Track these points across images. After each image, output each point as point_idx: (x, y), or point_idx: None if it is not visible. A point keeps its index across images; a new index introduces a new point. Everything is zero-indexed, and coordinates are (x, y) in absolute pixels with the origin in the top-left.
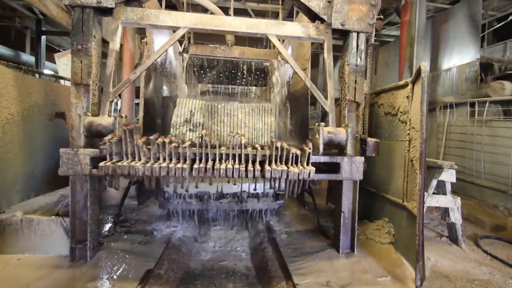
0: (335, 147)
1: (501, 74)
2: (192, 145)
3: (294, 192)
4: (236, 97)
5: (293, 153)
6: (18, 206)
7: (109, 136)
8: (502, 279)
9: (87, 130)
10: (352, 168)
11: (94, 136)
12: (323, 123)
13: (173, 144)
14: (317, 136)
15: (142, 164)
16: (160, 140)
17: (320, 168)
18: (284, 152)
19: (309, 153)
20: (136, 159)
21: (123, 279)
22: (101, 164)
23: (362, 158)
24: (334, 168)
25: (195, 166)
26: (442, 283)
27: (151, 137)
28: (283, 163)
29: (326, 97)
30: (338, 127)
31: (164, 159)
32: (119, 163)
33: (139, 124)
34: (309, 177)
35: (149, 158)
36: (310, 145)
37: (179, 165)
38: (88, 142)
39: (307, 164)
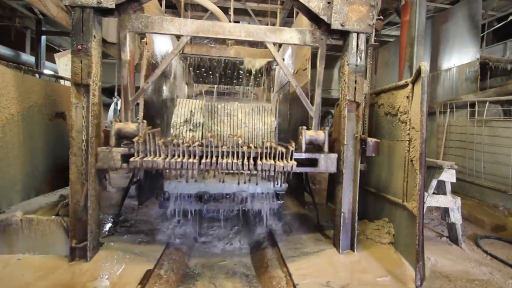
0: (316, 147)
1: None
2: (200, 144)
3: (282, 181)
4: (233, 97)
5: (279, 151)
6: (18, 206)
7: (136, 138)
8: (502, 279)
9: (116, 134)
10: (327, 162)
11: (122, 138)
12: (305, 127)
13: (185, 144)
14: (300, 137)
15: (162, 159)
16: (175, 141)
17: (304, 163)
18: (272, 150)
19: (292, 151)
20: (157, 155)
21: (123, 279)
22: (132, 159)
23: (336, 155)
24: (314, 163)
25: (203, 161)
26: (442, 283)
27: (168, 139)
28: (272, 158)
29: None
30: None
31: (179, 156)
32: (145, 159)
33: (159, 129)
34: (291, 169)
35: (167, 155)
36: (293, 144)
37: (190, 160)
38: (116, 143)
39: (291, 159)
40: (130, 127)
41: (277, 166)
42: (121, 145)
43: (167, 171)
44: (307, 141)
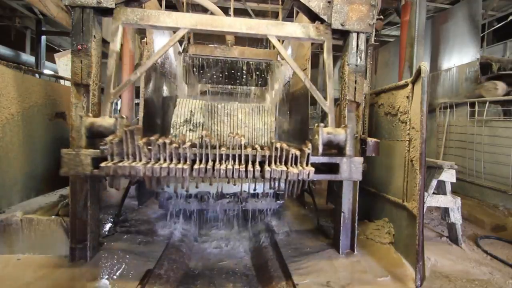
0: (334, 148)
1: (495, 74)
2: (193, 145)
3: (294, 193)
4: (235, 97)
5: (292, 154)
6: (18, 206)
7: (110, 137)
8: (502, 279)
9: (88, 130)
10: (351, 168)
11: (95, 136)
12: (322, 124)
13: (174, 145)
14: (316, 136)
15: (143, 165)
16: (160, 141)
17: (320, 168)
18: (284, 153)
19: (308, 154)
20: (137, 159)
21: (123, 279)
22: (102, 164)
23: (362, 159)
24: (333, 168)
25: (195, 166)
26: (442, 283)
27: (152, 138)
28: (283, 163)
29: (325, 98)
30: (337, 127)
31: (165, 160)
32: (120, 164)
33: (140, 125)
34: (308, 177)
35: (150, 159)
36: (310, 145)
37: (180, 166)
38: (89, 143)
39: (307, 165)
40: (105, 121)
41: (290, 174)
42: (100, 146)
43: (161, 179)
44: (324, 141)
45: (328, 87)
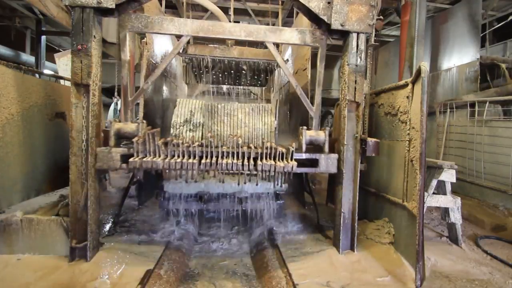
0: (316, 147)
1: None
2: (200, 145)
3: (283, 181)
4: (235, 97)
5: (279, 151)
6: (18, 206)
7: (136, 138)
8: (502, 279)
9: (116, 134)
10: (328, 163)
11: (121, 138)
12: (305, 127)
13: (185, 144)
14: (300, 137)
15: (162, 160)
16: (175, 141)
17: (304, 163)
18: (273, 151)
19: (292, 151)
20: (157, 156)
21: (123, 279)
22: (131, 159)
23: (336, 155)
24: (314, 163)
25: (203, 161)
26: (442, 283)
27: (168, 139)
28: (272, 159)
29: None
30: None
31: (179, 156)
32: (144, 159)
33: (158, 129)
34: (292, 170)
35: (167, 155)
36: (294, 144)
37: (190, 161)
38: (116, 143)
39: (291, 160)
40: (129, 127)
41: (277, 167)
42: (121, 145)
43: (167, 171)
44: (307, 141)
45: (316, 94)
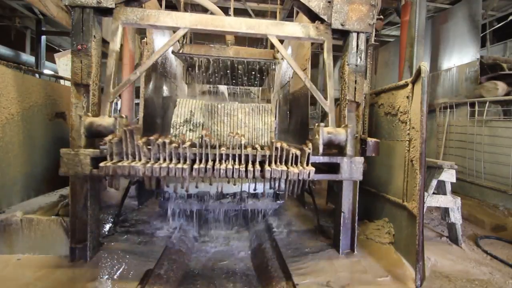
0: (334, 148)
1: (495, 74)
2: (192, 145)
3: (294, 192)
4: (232, 97)
5: (293, 154)
6: (18, 206)
7: (110, 137)
8: (502, 279)
9: (88, 130)
10: (352, 168)
11: (95, 136)
12: (323, 124)
13: (173, 145)
14: (317, 136)
15: (143, 165)
16: (160, 140)
17: (320, 168)
18: (284, 153)
19: (309, 154)
20: (137, 159)
21: (123, 279)
22: (102, 164)
23: (362, 159)
24: (333, 168)
25: (195, 166)
26: (442, 283)
27: (151, 138)
28: (283, 163)
29: (326, 97)
30: (338, 127)
31: (165, 160)
32: (120, 164)
33: (140, 125)
34: (309, 177)
35: (150, 159)
36: (310, 145)
37: (179, 166)
38: (88, 143)
39: (307, 165)
40: (105, 121)
41: (290, 173)
42: (100, 146)
43: (161, 179)
44: (325, 140)
45: (329, 87)
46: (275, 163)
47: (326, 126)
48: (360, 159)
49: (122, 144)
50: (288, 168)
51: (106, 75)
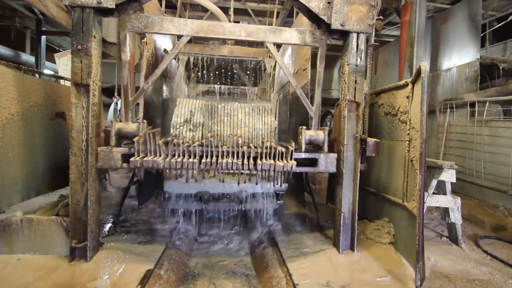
0: (315, 146)
1: None
2: (200, 144)
3: (282, 182)
4: (226, 96)
5: (279, 151)
6: (18, 206)
7: (137, 138)
8: (502, 279)
9: (117, 133)
10: (327, 162)
11: (122, 138)
12: (305, 127)
13: (186, 144)
14: (300, 137)
15: (163, 159)
16: (175, 141)
17: (304, 163)
18: (272, 150)
19: (292, 151)
20: (157, 155)
21: (123, 279)
22: (132, 159)
23: (336, 154)
24: (314, 162)
25: (203, 160)
26: (442, 283)
27: (169, 139)
28: (272, 158)
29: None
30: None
31: (179, 155)
32: (145, 158)
33: (159, 129)
34: (291, 169)
35: (167, 155)
36: (293, 144)
37: (191, 160)
38: (117, 142)
39: (290, 159)
40: (130, 127)
41: (276, 166)
42: (122, 145)
43: (167, 171)
44: (307, 141)
45: (316, 94)
46: (265, 158)
47: (308, 129)
48: (333, 155)
49: (146, 143)
50: (275, 162)
51: (123, 85)
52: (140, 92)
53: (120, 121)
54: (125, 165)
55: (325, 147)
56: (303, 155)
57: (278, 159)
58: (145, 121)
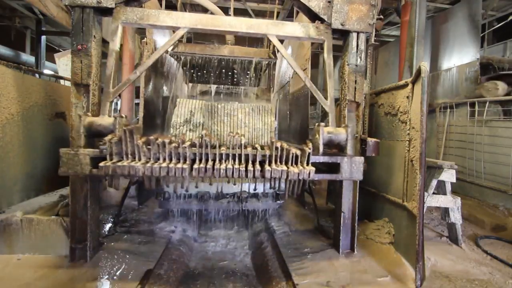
0: (334, 147)
1: (495, 74)
2: (192, 145)
3: (294, 192)
4: (226, 97)
5: (293, 153)
6: (18, 206)
7: (109, 136)
8: (502, 279)
9: (87, 130)
10: (352, 168)
11: (94, 136)
12: (323, 123)
13: (173, 144)
14: (317, 136)
15: (142, 164)
16: (160, 140)
17: (320, 168)
18: (284, 152)
19: (309, 153)
20: (136, 159)
21: (123, 279)
22: (101, 164)
23: (362, 158)
24: (334, 168)
25: (195, 166)
26: (442, 283)
27: (151, 137)
28: (283, 163)
29: (326, 97)
30: (338, 127)
31: (164, 159)
32: (119, 163)
33: (139, 124)
34: (309, 177)
35: (149, 158)
36: (310, 145)
37: (179, 165)
38: (88, 142)
39: (307, 164)
40: (104, 120)
41: (290, 173)
42: (100, 146)
43: (160, 179)
44: (325, 140)
45: (329, 87)
46: (275, 163)
47: (326, 126)
48: (360, 159)
49: (121, 144)
50: (288, 168)
51: (105, 75)
52: (124, 83)
53: (94, 116)
54: (95, 171)
55: (349, 148)
56: (321, 159)
57: (292, 164)
58: (124, 115)
